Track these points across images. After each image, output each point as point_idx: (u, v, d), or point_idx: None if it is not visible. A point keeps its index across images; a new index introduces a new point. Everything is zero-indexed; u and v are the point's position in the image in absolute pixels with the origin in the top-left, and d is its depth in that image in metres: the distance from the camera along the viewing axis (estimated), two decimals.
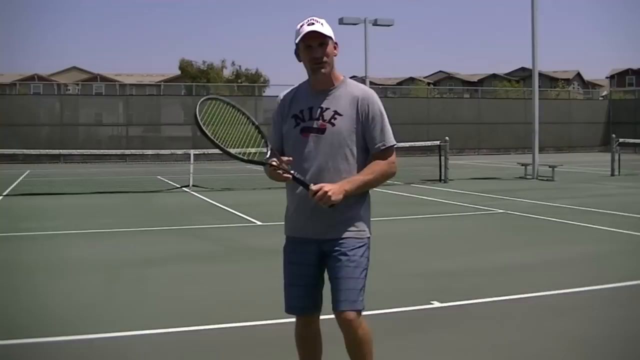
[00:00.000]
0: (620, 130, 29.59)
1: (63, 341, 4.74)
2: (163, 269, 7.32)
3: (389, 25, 28.96)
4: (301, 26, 3.14)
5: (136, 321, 5.26)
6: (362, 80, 25.52)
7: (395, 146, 3.27)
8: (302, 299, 3.27)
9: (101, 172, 23.11)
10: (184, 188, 16.78)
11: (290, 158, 3.15)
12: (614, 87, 59.35)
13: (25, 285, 6.52)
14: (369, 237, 3.27)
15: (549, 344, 4.61)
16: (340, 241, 3.17)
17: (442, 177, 18.10)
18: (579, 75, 69.22)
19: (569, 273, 6.92)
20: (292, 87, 3.35)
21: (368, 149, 3.22)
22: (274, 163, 3.10)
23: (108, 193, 15.79)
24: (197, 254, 8.29)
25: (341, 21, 27.36)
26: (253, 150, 3.21)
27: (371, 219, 3.34)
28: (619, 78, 64.55)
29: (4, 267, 7.43)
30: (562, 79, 62.73)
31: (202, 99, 3.23)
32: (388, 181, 3.52)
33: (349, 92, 3.22)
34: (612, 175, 19.65)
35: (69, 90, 44.27)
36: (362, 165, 3.20)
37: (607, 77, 66.47)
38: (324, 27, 3.13)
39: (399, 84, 61.92)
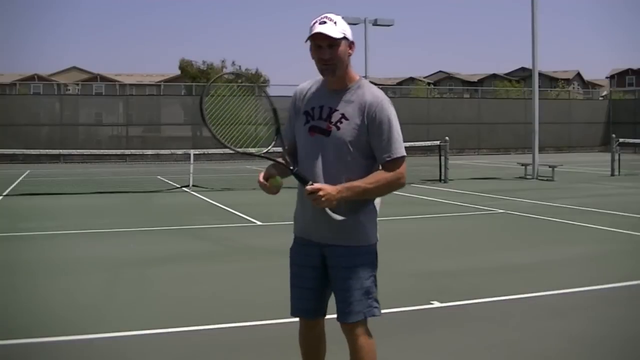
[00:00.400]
0: (620, 130, 29.62)
1: (63, 341, 4.74)
2: (163, 268, 7.32)
3: (389, 25, 29.01)
4: (313, 24, 3.00)
5: (136, 321, 5.26)
6: None
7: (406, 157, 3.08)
8: (304, 301, 3.24)
9: (101, 172, 23.08)
10: (184, 188, 16.77)
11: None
12: (614, 87, 59.34)
13: (25, 285, 6.52)
14: (371, 245, 3.16)
15: (549, 344, 4.61)
16: (340, 250, 3.10)
17: (442, 177, 18.09)
18: (579, 75, 69.20)
19: (569, 273, 6.93)
20: (309, 81, 3.24)
21: (375, 156, 3.09)
22: (277, 159, 3.09)
23: (108, 193, 15.77)
24: (197, 254, 8.29)
25: None
26: (253, 150, 3.18)
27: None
28: (619, 78, 64.56)
29: (4, 267, 7.42)
30: (562, 79, 62.67)
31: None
32: None
33: (360, 96, 3.07)
34: (612, 175, 19.65)
35: (69, 90, 44.27)
36: (365, 172, 3.06)
37: (607, 77, 66.48)
38: (336, 27, 2.98)
39: (399, 84, 61.85)
